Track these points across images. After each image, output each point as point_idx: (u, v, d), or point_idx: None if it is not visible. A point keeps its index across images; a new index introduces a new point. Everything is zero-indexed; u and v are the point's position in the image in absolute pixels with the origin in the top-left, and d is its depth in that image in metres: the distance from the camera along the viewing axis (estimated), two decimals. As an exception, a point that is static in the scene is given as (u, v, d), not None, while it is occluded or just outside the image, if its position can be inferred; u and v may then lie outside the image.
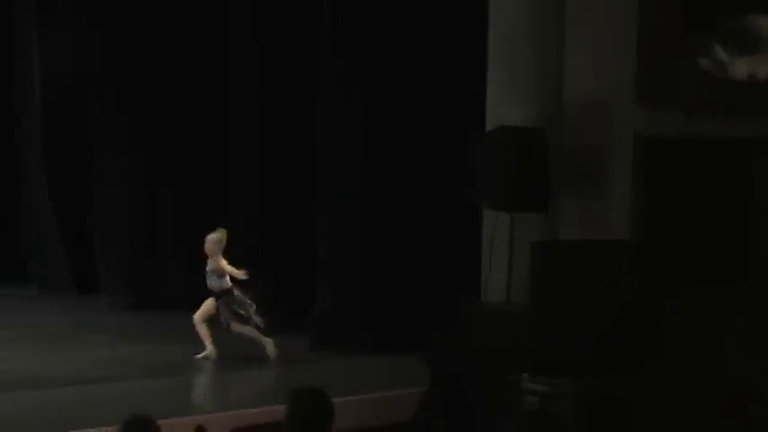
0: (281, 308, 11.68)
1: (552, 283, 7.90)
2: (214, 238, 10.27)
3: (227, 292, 10.21)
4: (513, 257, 9.01)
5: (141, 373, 9.78)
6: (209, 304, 10.26)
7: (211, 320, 10.27)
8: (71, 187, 14.05)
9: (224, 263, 10.23)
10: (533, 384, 7.65)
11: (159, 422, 5.38)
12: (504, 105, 9.31)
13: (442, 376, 6.44)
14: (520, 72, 9.27)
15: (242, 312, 10.16)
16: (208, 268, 10.24)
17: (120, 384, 9.41)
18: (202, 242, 10.50)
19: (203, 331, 10.25)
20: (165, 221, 13.21)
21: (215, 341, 10.20)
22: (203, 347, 10.20)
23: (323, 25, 10.92)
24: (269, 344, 10.20)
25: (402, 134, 10.62)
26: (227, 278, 10.23)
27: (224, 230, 10.35)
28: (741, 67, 8.29)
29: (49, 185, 14.31)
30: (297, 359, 10.32)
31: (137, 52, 13.14)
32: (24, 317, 12.50)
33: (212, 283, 10.24)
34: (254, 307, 10.19)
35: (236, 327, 10.20)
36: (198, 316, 10.26)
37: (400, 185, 10.63)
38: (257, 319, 10.16)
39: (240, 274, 10.19)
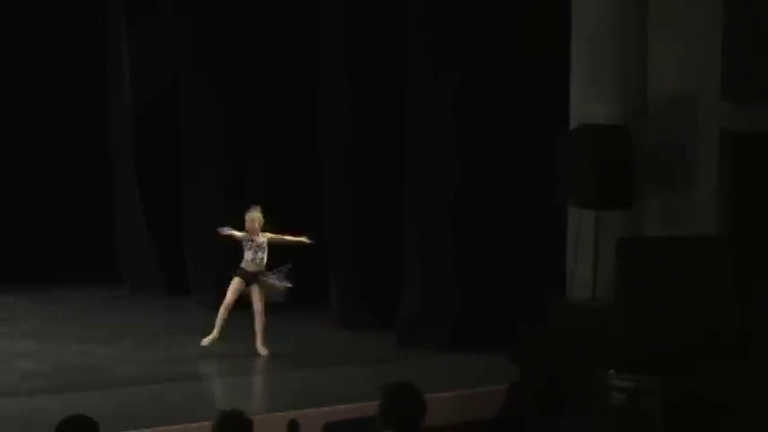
0: (364, 306, 11.83)
1: (637, 279, 7.91)
2: (259, 217, 10.56)
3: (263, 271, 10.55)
4: (599, 254, 9.04)
5: (231, 371, 9.95)
6: (239, 285, 10.56)
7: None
8: (161, 188, 14.28)
9: (269, 235, 10.57)
10: (620, 381, 7.67)
11: (252, 418, 5.46)
12: (588, 104, 9.34)
13: (529, 372, 6.49)
14: (603, 71, 9.30)
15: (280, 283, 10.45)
16: (256, 243, 10.50)
17: (211, 382, 9.59)
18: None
19: (223, 317, 10.53)
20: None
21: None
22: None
23: (411, 26, 10.99)
24: (260, 345, 10.45)
25: (490, 134, 10.65)
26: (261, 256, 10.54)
27: (258, 207, 10.65)
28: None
29: (139, 186, 14.57)
30: (384, 357, 10.44)
31: (227, 52, 13.27)
32: (117, 317, 12.75)
33: (263, 257, 10.51)
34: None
35: (261, 310, 10.48)
36: (231, 300, 10.53)
37: (488, 184, 10.67)
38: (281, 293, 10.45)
39: (299, 239, 10.55)
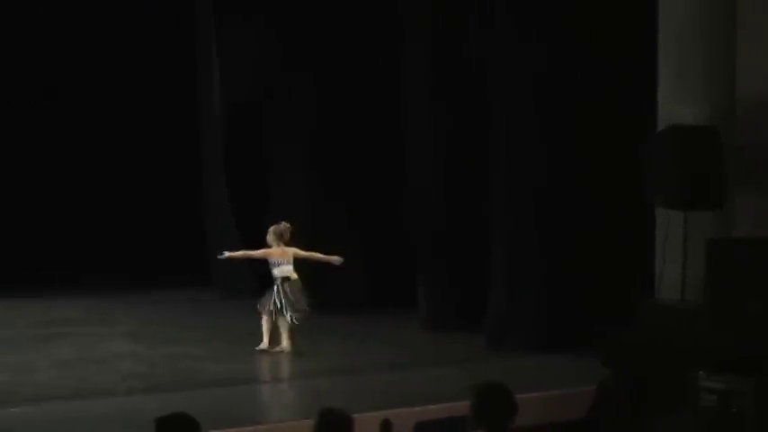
0: (451, 307, 11.89)
1: (727, 280, 7.87)
2: (273, 230, 10.74)
3: (286, 279, 10.65)
4: (687, 255, 9.01)
5: (322, 371, 10.05)
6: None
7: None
8: (250, 188, 14.46)
9: (293, 250, 10.71)
10: (710, 382, 7.64)
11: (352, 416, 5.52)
12: (675, 104, 9.31)
13: (619, 373, 6.51)
14: (691, 71, 9.26)
15: (283, 302, 10.58)
16: (273, 260, 10.69)
17: (303, 382, 9.70)
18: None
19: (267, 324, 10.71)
20: (341, 221, 13.50)
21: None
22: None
23: (495, 27, 11.03)
24: (286, 341, 10.62)
25: (577, 135, 10.66)
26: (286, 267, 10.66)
27: (287, 224, 10.81)
28: None
29: (228, 186, 14.76)
30: (472, 358, 10.49)
31: (316, 53, 13.45)
32: (209, 318, 13.03)
33: (282, 270, 10.66)
34: (300, 302, 10.61)
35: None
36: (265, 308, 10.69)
37: (575, 184, 10.68)
38: (296, 315, 10.56)
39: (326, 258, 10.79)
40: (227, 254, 11.02)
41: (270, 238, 10.77)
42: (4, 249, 15.17)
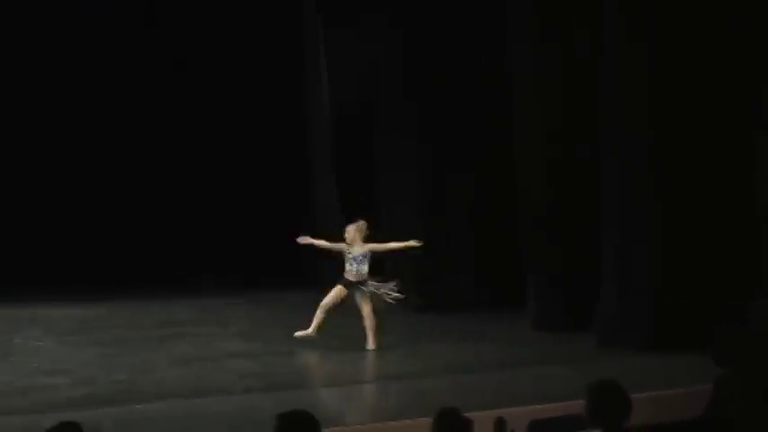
0: (561, 306, 11.89)
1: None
2: (353, 227, 10.92)
3: (366, 279, 10.85)
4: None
5: (435, 370, 10.11)
6: (340, 292, 10.89)
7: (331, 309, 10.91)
8: (359, 189, 14.56)
9: (370, 246, 10.89)
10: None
11: (470, 417, 5.52)
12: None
13: (736, 371, 6.48)
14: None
15: (385, 292, 10.84)
16: (351, 255, 10.84)
17: (416, 381, 9.79)
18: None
19: (320, 316, 10.90)
20: (456, 222, 13.56)
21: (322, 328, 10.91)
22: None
23: (607, 25, 10.99)
24: (371, 341, 10.82)
25: (688, 133, 10.58)
26: (367, 265, 10.84)
27: (363, 221, 10.97)
28: None
29: (338, 187, 14.88)
30: (584, 357, 10.47)
31: (427, 53, 13.47)
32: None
33: (360, 268, 10.84)
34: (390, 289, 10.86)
35: (370, 312, 10.86)
36: (329, 302, 10.87)
37: (686, 181, 10.60)
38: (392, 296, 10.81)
39: (406, 244, 10.81)
40: (305, 239, 11.24)
41: (355, 235, 10.97)
42: (123, 253, 15.58)
